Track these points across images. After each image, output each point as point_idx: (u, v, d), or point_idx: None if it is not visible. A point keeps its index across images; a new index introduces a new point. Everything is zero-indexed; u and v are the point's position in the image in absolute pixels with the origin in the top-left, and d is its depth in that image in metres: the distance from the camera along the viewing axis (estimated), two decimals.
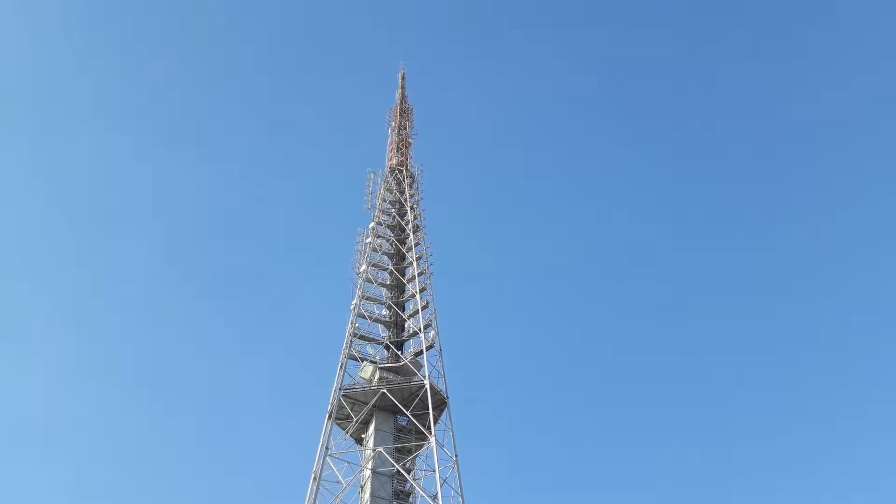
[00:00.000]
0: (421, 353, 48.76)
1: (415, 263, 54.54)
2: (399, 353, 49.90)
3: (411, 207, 59.44)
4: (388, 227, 58.49)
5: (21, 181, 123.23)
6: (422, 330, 49.82)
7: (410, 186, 62.12)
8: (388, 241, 57.22)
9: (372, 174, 62.18)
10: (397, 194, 61.46)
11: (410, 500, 44.75)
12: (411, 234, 57.09)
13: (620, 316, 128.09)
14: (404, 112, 68.25)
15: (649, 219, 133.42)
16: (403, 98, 69.34)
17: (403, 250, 56.76)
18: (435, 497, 41.07)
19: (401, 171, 63.36)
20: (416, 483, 44.25)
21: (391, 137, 66.73)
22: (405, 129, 67.21)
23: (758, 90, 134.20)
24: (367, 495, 43.18)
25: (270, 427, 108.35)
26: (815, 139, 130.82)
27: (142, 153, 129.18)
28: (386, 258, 56.00)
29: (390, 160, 64.86)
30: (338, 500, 42.39)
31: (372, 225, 57.62)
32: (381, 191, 61.18)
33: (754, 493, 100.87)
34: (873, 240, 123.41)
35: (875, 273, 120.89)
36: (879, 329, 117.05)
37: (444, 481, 41.54)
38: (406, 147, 65.92)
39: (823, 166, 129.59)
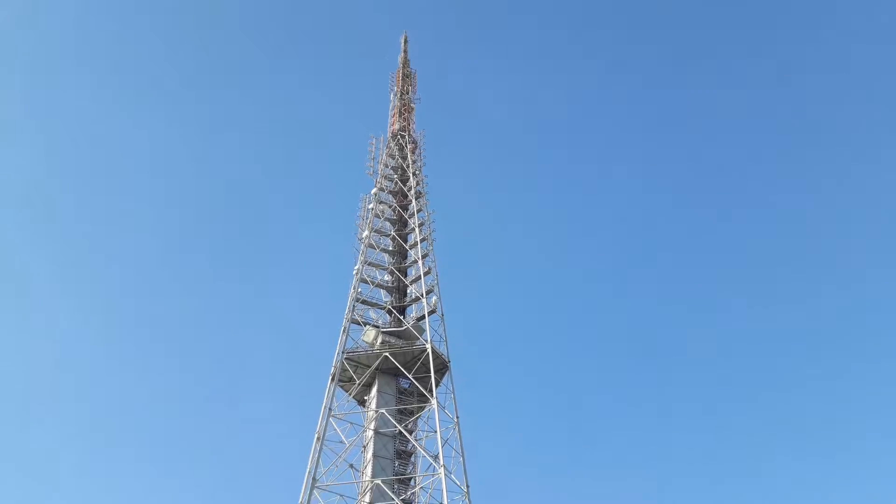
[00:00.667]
0: (423, 317, 49.62)
1: (417, 229, 55.09)
2: (401, 317, 50.82)
3: (413, 173, 59.69)
4: (390, 192, 58.88)
5: (21, 143, 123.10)
6: (424, 295, 50.65)
7: (413, 152, 62.19)
8: (390, 206, 57.66)
9: (374, 139, 62.44)
10: (399, 160, 61.64)
11: (412, 459, 46.02)
12: (413, 200, 57.53)
13: (626, 278, 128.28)
14: (406, 76, 67.92)
15: (655, 179, 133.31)
16: (406, 62, 68.72)
17: (406, 216, 57.31)
18: (436, 457, 42.34)
19: (403, 137, 63.38)
20: (418, 443, 45.54)
21: (393, 102, 66.45)
22: (407, 93, 66.97)
23: (762, 79, 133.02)
24: (369, 455, 44.42)
25: (274, 388, 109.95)
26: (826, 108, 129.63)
27: (140, 118, 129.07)
28: (388, 224, 56.47)
29: (392, 125, 64.75)
30: (341, 459, 43.74)
31: (374, 191, 57.94)
32: (384, 156, 61.27)
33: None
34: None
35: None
36: None
37: (445, 442, 42.75)
38: (408, 112, 65.75)
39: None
